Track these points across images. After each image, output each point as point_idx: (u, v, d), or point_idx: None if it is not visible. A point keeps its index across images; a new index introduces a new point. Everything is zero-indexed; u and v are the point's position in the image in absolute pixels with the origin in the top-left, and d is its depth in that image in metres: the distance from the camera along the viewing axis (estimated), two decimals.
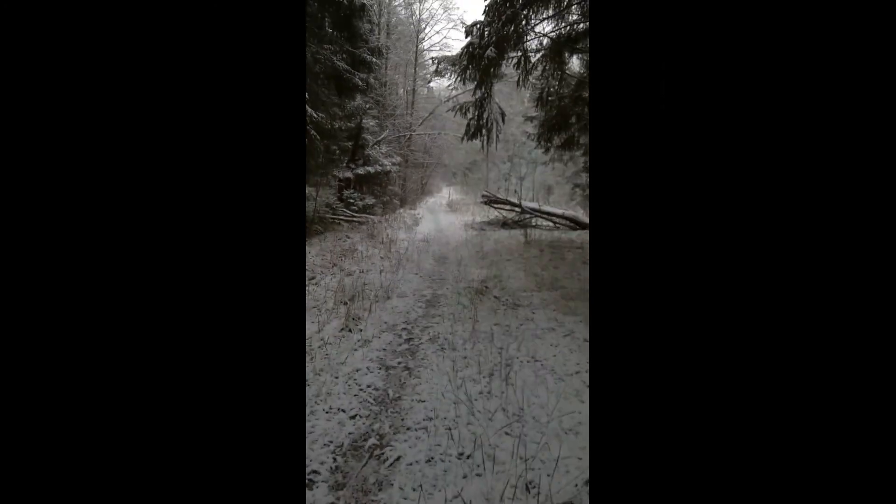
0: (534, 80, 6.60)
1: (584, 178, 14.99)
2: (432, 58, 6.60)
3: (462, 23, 6.27)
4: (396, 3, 16.21)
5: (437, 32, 22.31)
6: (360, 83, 7.06)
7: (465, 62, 5.64)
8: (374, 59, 7.25)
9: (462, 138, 6.69)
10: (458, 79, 6.02)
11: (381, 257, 6.03)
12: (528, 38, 5.84)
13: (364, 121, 11.65)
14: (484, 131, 5.98)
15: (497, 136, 6.14)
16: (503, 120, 6.31)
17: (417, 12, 16.74)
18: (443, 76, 6.74)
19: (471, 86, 6.45)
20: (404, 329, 3.35)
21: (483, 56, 5.34)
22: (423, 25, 16.71)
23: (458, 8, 17.97)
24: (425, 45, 16.51)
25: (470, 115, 6.32)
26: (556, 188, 18.39)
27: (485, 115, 5.97)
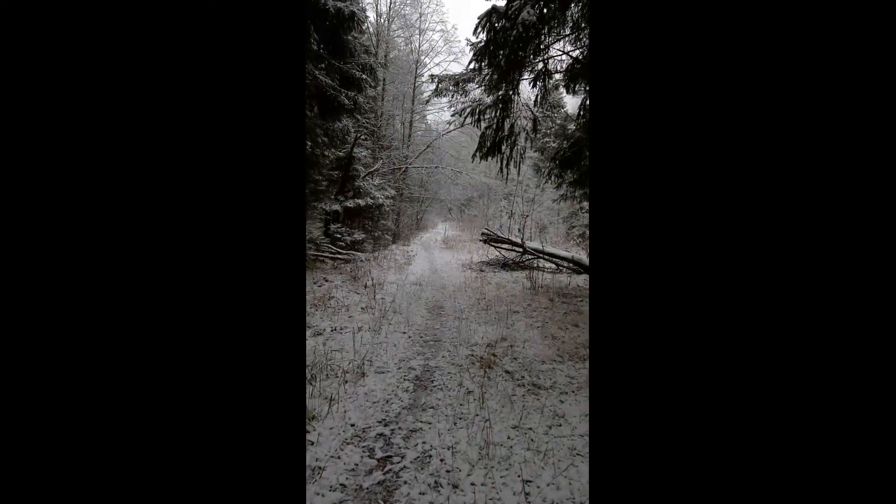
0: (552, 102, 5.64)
1: (582, 218, 14.16)
2: (431, 75, 5.67)
3: (470, 43, 5.05)
4: (396, 36, 15.80)
5: (437, 65, 21.93)
6: (347, 102, 6.16)
7: (483, 38, 3.79)
8: (363, 77, 6.38)
9: (473, 156, 5.14)
10: (474, 65, 4.57)
11: (363, 308, 4.94)
12: (548, 54, 4.99)
13: (356, 150, 10.83)
14: (505, 146, 4.69)
15: (523, 154, 4.91)
16: (535, 129, 5.06)
17: (417, 43, 16.30)
18: (443, 96, 5.83)
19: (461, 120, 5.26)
20: (380, 436, 2.24)
21: (514, 26, 3.72)
22: (423, 57, 16.24)
23: (459, 41, 17.77)
24: (425, 77, 15.94)
25: (486, 123, 4.75)
26: (551, 227, 17.54)
27: (507, 123, 4.64)
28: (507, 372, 3.19)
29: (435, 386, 2.93)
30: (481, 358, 3.43)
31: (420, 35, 16.16)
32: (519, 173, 5.59)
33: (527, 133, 4.61)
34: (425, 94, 16.04)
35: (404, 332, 4.12)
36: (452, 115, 5.10)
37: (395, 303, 5.30)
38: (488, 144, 4.63)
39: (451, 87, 5.98)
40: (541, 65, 4.73)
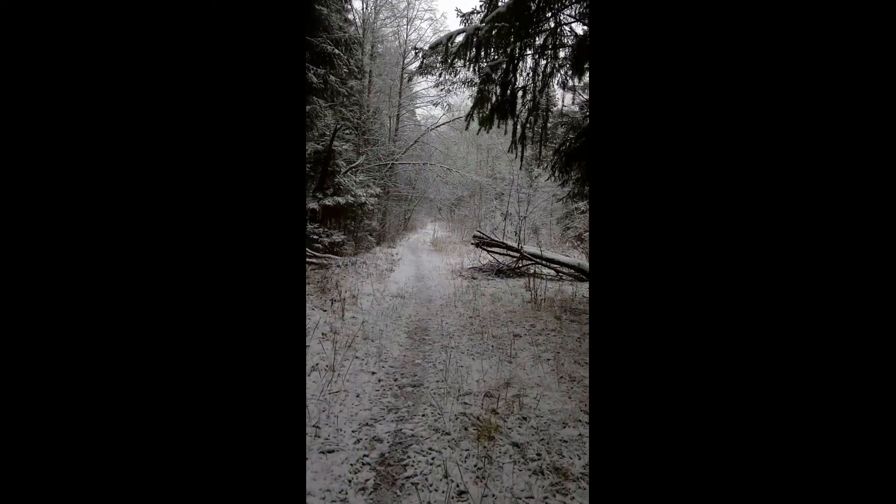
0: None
1: (578, 220, 13.20)
2: (415, 48, 4.66)
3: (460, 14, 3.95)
4: (383, 26, 14.79)
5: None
6: (316, 81, 5.13)
7: None
8: (336, 52, 5.35)
9: (467, 118, 3.47)
10: None
11: (325, 333, 3.90)
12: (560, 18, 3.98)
13: (336, 143, 9.78)
14: (522, 104, 3.28)
15: (546, 123, 3.69)
16: (579, 70, 3.68)
17: (405, 33, 15.28)
18: (430, 74, 4.82)
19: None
20: None
21: None
22: (410, 48, 15.22)
23: (448, 30, 16.83)
24: (409, 55, 14.90)
25: (486, 68, 2.94)
26: (544, 229, 16.55)
27: (520, 76, 3.18)
28: (515, 445, 2.19)
29: (407, 478, 1.91)
30: (478, 419, 2.42)
31: (408, 24, 15.17)
32: (542, 152, 4.31)
33: (566, 79, 3.18)
34: (413, 84, 15.07)
35: (373, 373, 3.09)
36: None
37: (366, 324, 4.27)
38: (493, 100, 3.08)
39: (437, 64, 4.97)
40: (552, 24, 3.71)
